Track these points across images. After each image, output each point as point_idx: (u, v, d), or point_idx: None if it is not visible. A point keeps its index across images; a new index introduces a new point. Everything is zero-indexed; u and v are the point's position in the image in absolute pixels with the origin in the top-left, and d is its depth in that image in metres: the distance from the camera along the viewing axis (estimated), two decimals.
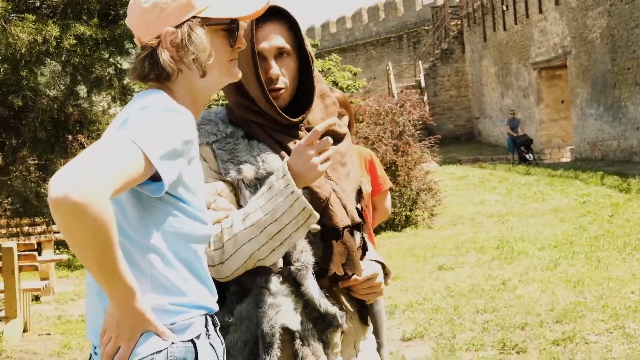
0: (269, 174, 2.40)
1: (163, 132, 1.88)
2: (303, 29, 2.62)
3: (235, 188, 2.43)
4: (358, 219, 2.56)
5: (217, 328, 2.14)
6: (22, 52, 4.41)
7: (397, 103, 15.78)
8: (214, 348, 2.06)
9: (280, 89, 2.49)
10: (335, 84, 16.57)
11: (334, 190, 2.51)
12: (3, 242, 7.72)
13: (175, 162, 1.90)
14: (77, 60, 4.90)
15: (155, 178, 1.88)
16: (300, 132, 2.54)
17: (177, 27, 2.05)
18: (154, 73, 2.06)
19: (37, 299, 10.07)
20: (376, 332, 4.48)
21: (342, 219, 2.48)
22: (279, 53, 2.50)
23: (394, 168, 14.77)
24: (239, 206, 2.42)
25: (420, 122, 16.10)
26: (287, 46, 2.51)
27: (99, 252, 1.76)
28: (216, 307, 2.12)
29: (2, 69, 4.60)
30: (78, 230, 1.72)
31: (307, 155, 2.33)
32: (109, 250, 1.76)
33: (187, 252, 2.02)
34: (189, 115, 1.99)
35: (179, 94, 2.08)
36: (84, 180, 1.69)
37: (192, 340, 1.98)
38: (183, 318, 1.98)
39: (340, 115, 4.34)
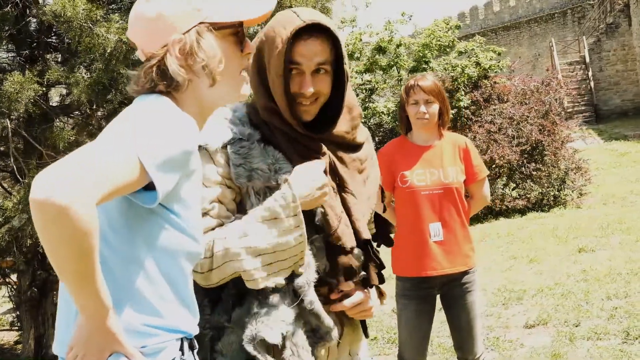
0: (280, 185, 2.34)
1: (163, 139, 1.75)
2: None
3: (242, 193, 2.37)
4: (367, 236, 2.50)
5: (195, 351, 2.02)
6: (109, 51, 4.59)
7: (542, 82, 15.26)
8: None
9: (310, 104, 2.40)
10: (478, 64, 16.26)
11: (346, 208, 2.47)
12: None
13: (172, 173, 1.77)
14: None
15: (150, 187, 1.74)
16: (321, 146, 2.47)
17: (184, 33, 1.94)
18: (163, 84, 1.92)
19: None
20: (468, 326, 4.38)
21: (349, 240, 2.44)
22: (317, 69, 2.39)
23: (540, 148, 14.31)
24: (244, 211, 2.36)
25: (570, 101, 15.50)
26: (327, 63, 2.39)
27: (77, 261, 1.61)
28: (195, 331, 1.99)
29: (96, 69, 4.80)
30: (57, 235, 1.57)
31: (318, 185, 2.33)
32: (88, 261, 1.62)
33: (173, 269, 1.88)
34: (193, 125, 1.86)
35: (184, 104, 1.96)
36: (69, 183, 1.55)
37: None
38: (155, 341, 1.84)
39: (428, 103, 4.27)
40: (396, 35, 17.03)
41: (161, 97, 1.92)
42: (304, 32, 2.34)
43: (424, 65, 16.46)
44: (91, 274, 1.64)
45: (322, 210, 2.40)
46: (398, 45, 16.83)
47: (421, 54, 16.50)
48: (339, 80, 2.46)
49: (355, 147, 2.57)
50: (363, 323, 2.64)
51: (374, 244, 2.59)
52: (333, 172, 2.48)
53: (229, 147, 2.35)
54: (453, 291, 4.34)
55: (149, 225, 1.83)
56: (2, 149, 6.17)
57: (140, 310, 1.82)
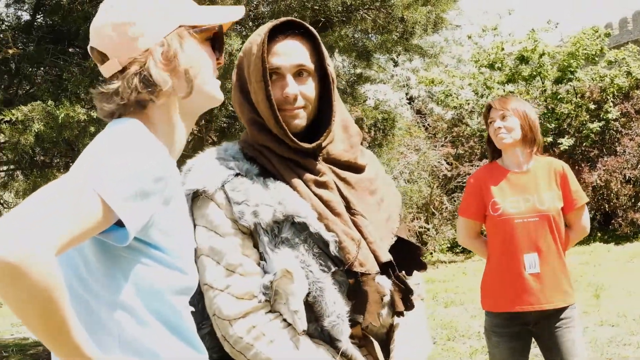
0: (287, 217, 2.15)
1: (126, 169, 1.57)
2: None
3: (252, 233, 2.18)
4: (386, 259, 2.24)
5: None
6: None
7: None
8: None
9: (296, 109, 2.22)
10: (629, 74, 15.49)
11: (361, 232, 2.23)
12: None
13: (144, 204, 1.60)
14: None
15: (122, 223, 1.58)
16: (318, 164, 2.27)
17: (165, 37, 1.77)
18: (147, 91, 1.73)
19: None
20: None
21: (372, 266, 2.20)
22: (299, 71, 2.23)
23: None
24: (258, 253, 2.18)
25: None
26: (309, 64, 2.24)
27: (43, 319, 1.47)
28: None
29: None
30: (15, 296, 1.43)
31: None
32: (55, 317, 1.46)
33: (164, 307, 1.73)
34: (160, 149, 1.70)
35: (159, 120, 1.79)
36: (20, 237, 1.40)
37: None
38: None
39: (503, 118, 3.98)
40: (540, 44, 16.39)
41: (125, 120, 1.73)
42: (280, 34, 2.22)
43: (569, 76, 15.75)
44: (64, 330, 1.49)
45: (336, 239, 2.15)
46: (542, 55, 16.19)
47: (566, 64, 15.81)
48: (326, 88, 2.28)
49: (358, 168, 2.35)
50: None
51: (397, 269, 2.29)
52: (337, 193, 2.27)
53: (226, 185, 2.17)
54: (550, 330, 3.96)
55: (128, 264, 1.68)
56: None
57: (136, 355, 1.67)
